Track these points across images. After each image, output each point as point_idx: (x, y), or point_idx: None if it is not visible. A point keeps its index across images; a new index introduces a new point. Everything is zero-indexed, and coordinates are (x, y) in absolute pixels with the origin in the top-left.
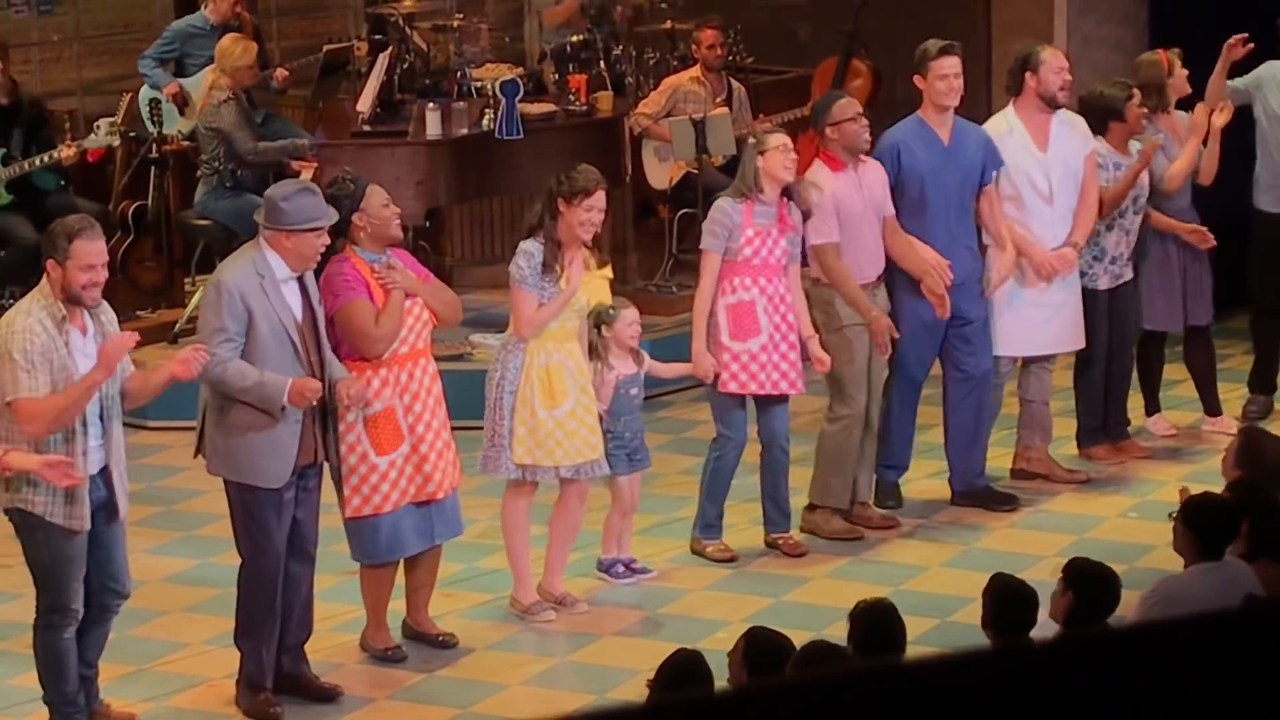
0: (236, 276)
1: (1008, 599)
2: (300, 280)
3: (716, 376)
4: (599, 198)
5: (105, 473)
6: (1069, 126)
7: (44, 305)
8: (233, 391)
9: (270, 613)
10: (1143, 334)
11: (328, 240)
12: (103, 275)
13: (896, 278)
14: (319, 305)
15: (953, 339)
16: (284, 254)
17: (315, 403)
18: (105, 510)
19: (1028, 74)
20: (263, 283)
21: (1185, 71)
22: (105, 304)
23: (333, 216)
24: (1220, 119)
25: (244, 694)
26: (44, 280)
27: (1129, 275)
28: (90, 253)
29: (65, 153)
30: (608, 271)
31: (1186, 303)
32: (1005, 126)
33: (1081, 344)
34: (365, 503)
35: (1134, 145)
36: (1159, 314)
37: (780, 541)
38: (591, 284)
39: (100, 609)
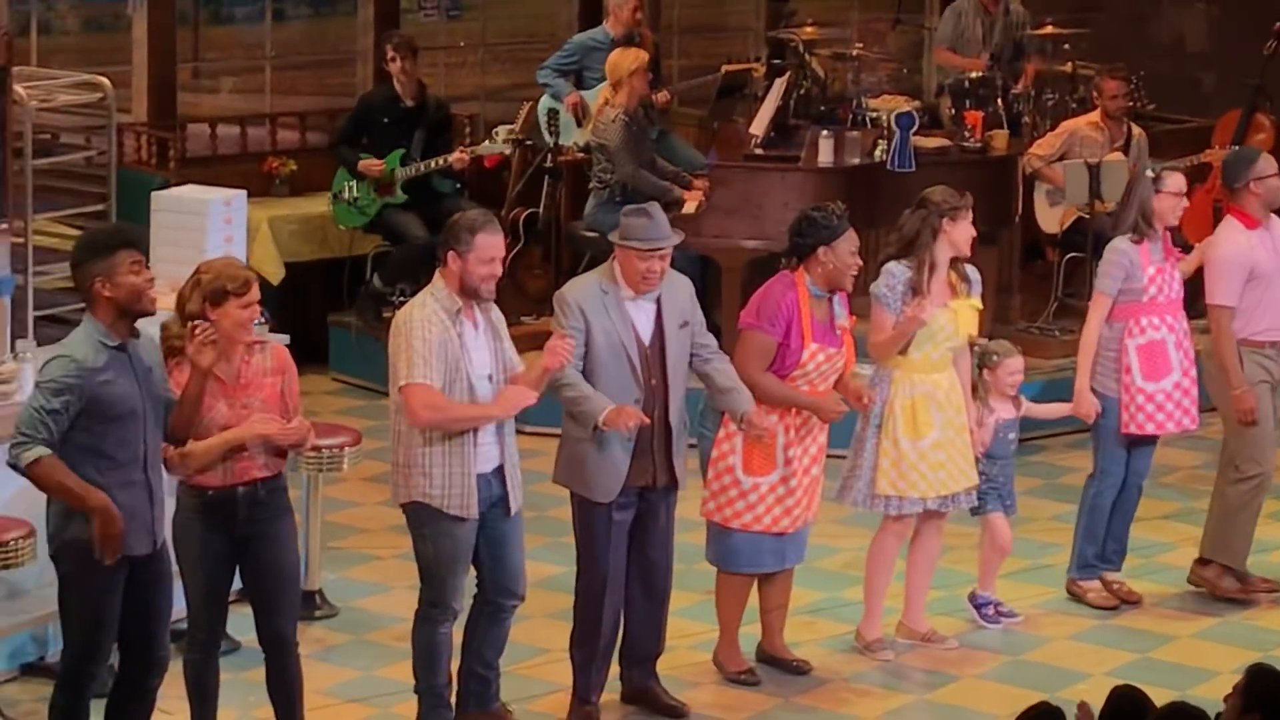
0: (577, 290)
1: None
2: (659, 302)
3: (1116, 417)
4: (969, 218)
5: (499, 470)
6: None
7: (438, 299)
8: (559, 397)
9: (598, 626)
10: None
11: (656, 266)
12: (499, 270)
13: None
14: (681, 329)
15: None
16: (621, 271)
17: (649, 424)
18: (500, 507)
19: None
20: (604, 299)
21: None
22: (495, 305)
23: (667, 241)
24: None
25: (572, 704)
26: (437, 276)
27: None
28: (491, 246)
29: (456, 158)
30: (977, 302)
31: None
32: None
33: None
34: (718, 510)
35: None
36: None
37: (1116, 585)
38: (962, 314)
39: (494, 608)
